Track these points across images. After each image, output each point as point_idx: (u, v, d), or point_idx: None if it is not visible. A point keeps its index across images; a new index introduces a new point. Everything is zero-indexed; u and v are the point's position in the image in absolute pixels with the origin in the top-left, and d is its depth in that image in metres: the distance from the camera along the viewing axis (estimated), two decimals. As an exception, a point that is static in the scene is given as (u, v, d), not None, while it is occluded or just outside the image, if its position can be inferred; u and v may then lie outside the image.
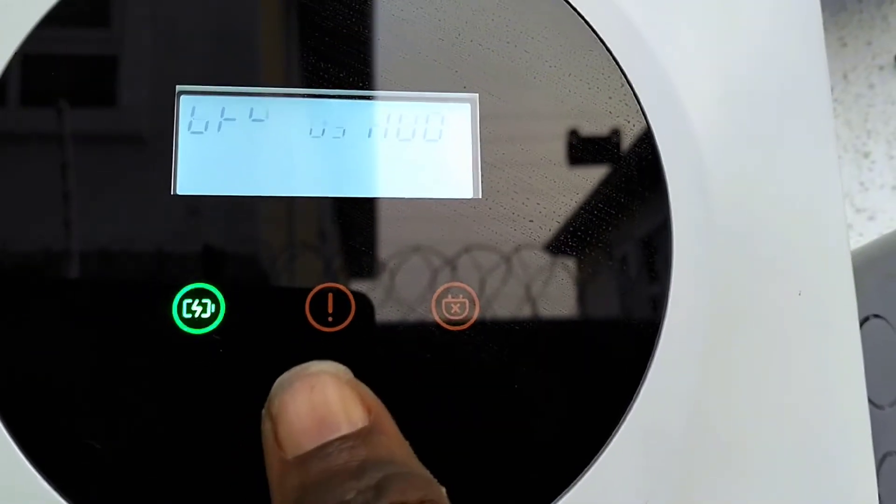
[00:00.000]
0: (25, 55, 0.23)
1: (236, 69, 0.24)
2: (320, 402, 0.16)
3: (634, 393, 0.23)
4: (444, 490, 0.16)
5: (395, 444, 0.16)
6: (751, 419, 0.24)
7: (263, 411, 0.17)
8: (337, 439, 0.16)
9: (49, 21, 0.23)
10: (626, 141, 0.25)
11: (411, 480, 0.15)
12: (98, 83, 0.24)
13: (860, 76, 0.73)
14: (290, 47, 0.25)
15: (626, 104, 0.25)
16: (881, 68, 0.68)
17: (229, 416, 0.21)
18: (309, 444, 0.16)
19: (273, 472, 0.16)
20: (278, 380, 0.17)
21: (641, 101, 0.25)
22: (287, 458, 0.16)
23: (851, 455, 0.25)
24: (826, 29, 0.28)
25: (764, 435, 0.24)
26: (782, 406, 0.24)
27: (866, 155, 0.67)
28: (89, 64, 0.24)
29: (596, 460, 0.22)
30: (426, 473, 0.16)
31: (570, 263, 0.24)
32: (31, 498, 0.20)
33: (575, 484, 0.22)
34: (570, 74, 0.25)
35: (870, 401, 0.26)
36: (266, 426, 0.16)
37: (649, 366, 0.23)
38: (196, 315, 0.22)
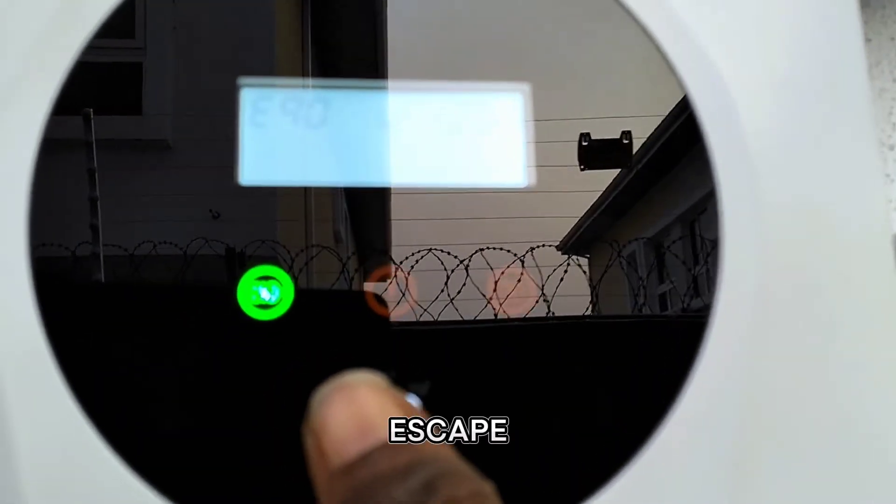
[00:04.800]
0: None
1: (295, 63, 0.25)
2: (359, 412, 0.16)
3: (683, 384, 0.23)
4: (490, 485, 0.16)
5: (437, 445, 0.17)
6: (800, 411, 0.24)
7: (304, 428, 0.17)
8: (380, 445, 0.16)
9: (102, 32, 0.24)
10: (676, 136, 0.26)
11: (459, 476, 0.15)
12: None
13: (884, 71, 0.73)
14: (351, 41, 0.25)
15: (674, 97, 0.26)
16: (904, 63, 0.69)
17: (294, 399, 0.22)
18: (353, 453, 0.16)
19: (321, 484, 0.16)
20: (315, 395, 0.17)
21: (692, 95, 0.26)
22: (333, 469, 0.16)
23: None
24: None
25: (814, 425, 0.24)
26: (833, 396, 0.25)
27: (892, 147, 0.68)
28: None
29: (644, 451, 0.23)
30: (470, 470, 0.16)
31: (622, 256, 0.25)
32: (107, 479, 0.21)
33: (621, 475, 0.22)
34: (619, 69, 0.26)
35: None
36: (309, 442, 0.17)
37: (700, 354, 0.24)
38: (264, 301, 0.23)
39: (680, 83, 0.25)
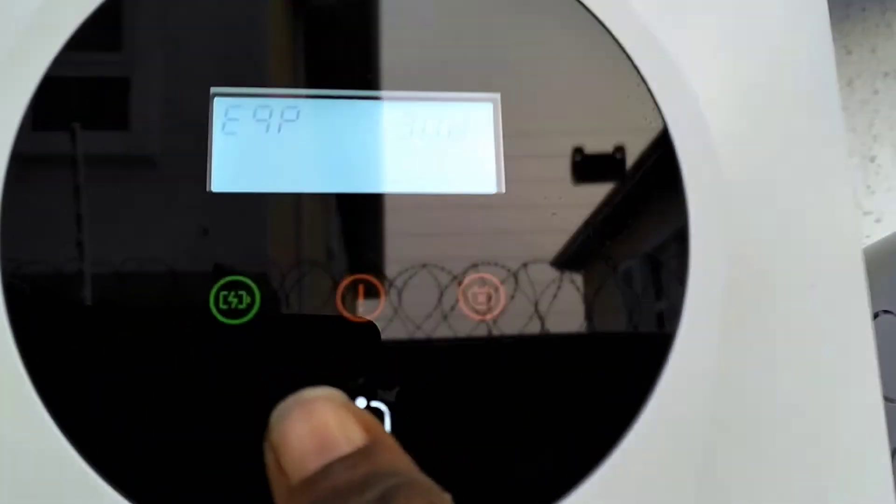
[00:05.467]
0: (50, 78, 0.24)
1: (266, 72, 0.25)
2: (319, 426, 0.17)
3: (650, 391, 0.24)
4: (449, 496, 0.16)
5: (395, 457, 0.17)
6: (766, 414, 0.25)
7: (264, 443, 0.17)
8: (339, 459, 0.16)
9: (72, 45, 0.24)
10: (644, 141, 0.26)
11: (415, 488, 0.16)
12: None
13: (865, 83, 0.74)
14: (321, 52, 0.26)
15: (643, 103, 0.26)
16: (886, 74, 0.70)
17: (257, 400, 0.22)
18: (312, 467, 0.16)
19: (280, 499, 0.17)
20: (275, 411, 0.17)
21: (658, 100, 0.26)
22: (292, 485, 0.16)
23: (867, 449, 0.25)
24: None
25: (779, 430, 0.24)
26: (797, 401, 0.25)
27: (872, 159, 0.68)
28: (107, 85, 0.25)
29: (610, 455, 0.23)
30: (429, 481, 0.16)
31: (590, 264, 0.25)
32: (77, 485, 0.21)
33: (588, 479, 0.22)
34: (587, 74, 0.26)
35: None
36: (269, 457, 0.17)
37: (666, 360, 0.24)
38: (232, 306, 0.23)
39: (651, 94, 0.26)
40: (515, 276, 0.24)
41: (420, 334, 0.23)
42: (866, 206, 0.66)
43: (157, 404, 0.22)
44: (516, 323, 0.24)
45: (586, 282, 0.24)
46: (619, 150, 0.26)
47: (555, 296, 0.24)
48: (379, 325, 0.23)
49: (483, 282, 0.24)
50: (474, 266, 0.24)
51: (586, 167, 0.25)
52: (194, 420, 0.22)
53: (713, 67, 0.27)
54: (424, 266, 0.24)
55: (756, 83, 0.27)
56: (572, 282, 0.24)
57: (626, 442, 0.23)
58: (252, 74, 0.25)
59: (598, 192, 0.25)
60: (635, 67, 0.26)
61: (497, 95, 0.25)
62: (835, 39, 0.29)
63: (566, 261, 0.25)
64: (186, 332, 0.22)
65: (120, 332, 0.22)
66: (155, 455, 0.21)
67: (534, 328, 0.24)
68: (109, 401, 0.22)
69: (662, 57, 0.26)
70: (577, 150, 0.26)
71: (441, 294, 0.24)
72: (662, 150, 0.26)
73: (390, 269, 0.24)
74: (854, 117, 0.66)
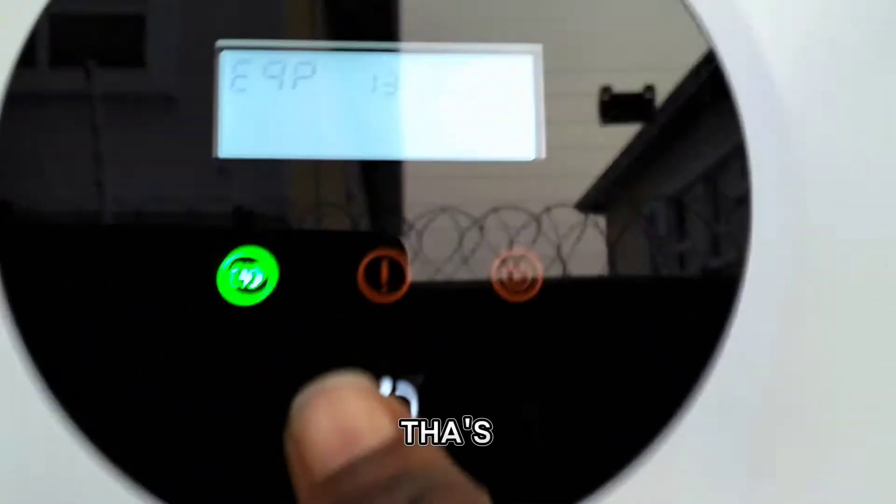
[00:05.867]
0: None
1: (277, 22, 0.22)
2: (342, 417, 0.15)
3: (711, 358, 0.21)
4: (487, 497, 0.15)
5: (428, 452, 0.15)
6: (831, 390, 0.22)
7: (285, 434, 0.16)
8: (365, 455, 0.15)
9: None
10: (701, 91, 0.23)
11: (449, 489, 0.14)
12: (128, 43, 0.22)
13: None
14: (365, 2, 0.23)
15: (697, 48, 0.23)
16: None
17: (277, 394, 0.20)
18: (336, 463, 0.15)
19: (302, 494, 0.15)
20: (296, 400, 0.16)
21: (717, 46, 0.23)
22: (315, 481, 0.15)
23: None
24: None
25: (846, 406, 0.22)
26: (865, 376, 0.23)
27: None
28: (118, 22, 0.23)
29: (669, 431, 0.21)
30: (464, 481, 0.15)
31: (642, 220, 0.22)
32: (73, 464, 0.20)
33: (645, 456, 0.21)
34: (640, 21, 0.23)
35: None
36: (290, 449, 0.16)
37: (728, 326, 0.22)
38: (245, 285, 0.21)
39: (704, 35, 0.23)
40: (558, 249, 0.22)
41: (449, 316, 0.21)
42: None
43: (168, 388, 0.20)
44: (557, 298, 0.21)
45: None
46: (675, 95, 0.23)
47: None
48: (404, 306, 0.21)
49: (520, 259, 0.22)
50: (511, 243, 0.21)
51: (623, 109, 0.23)
52: (210, 408, 0.20)
53: (778, 11, 0.24)
54: (457, 249, 0.21)
55: (825, 28, 0.24)
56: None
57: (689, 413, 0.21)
58: (263, 25, 0.22)
59: (640, 137, 0.23)
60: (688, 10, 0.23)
61: (538, 47, 0.23)
62: None
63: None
64: (195, 312, 0.21)
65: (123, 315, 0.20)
66: (170, 447, 0.20)
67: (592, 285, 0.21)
68: (113, 380, 0.20)
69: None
70: (622, 94, 0.23)
71: (474, 273, 0.21)
72: (720, 101, 0.23)
73: (414, 243, 0.21)
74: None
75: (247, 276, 0.21)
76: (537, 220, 0.22)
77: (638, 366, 0.21)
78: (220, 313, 0.21)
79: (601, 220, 0.22)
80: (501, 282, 0.21)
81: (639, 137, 0.23)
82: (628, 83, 0.23)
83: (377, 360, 0.21)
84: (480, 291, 0.21)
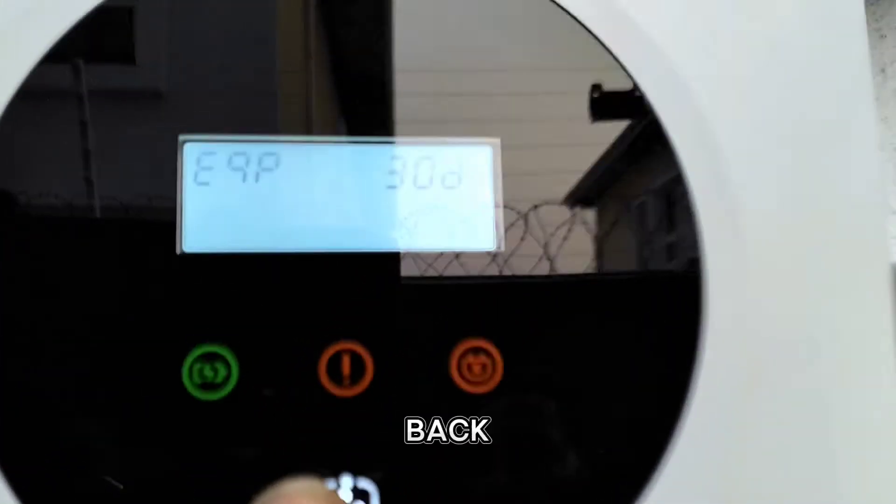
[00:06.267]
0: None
1: (243, 116, 0.23)
2: None
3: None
4: None
5: None
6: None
7: None
8: None
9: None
10: (657, 180, 0.24)
11: None
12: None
13: (899, 69, 0.70)
14: (302, 93, 0.23)
15: (654, 140, 0.24)
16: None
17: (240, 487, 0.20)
18: None
19: None
20: None
21: (672, 139, 0.23)
22: None
23: None
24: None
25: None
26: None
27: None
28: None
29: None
30: None
31: (603, 320, 0.23)
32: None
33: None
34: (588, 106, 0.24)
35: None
36: None
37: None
38: (208, 380, 0.21)
39: (666, 136, 0.23)
40: (513, 343, 0.22)
41: (411, 409, 0.21)
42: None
43: (129, 481, 0.20)
44: (516, 389, 0.22)
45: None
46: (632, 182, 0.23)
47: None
48: (366, 400, 0.21)
49: (478, 351, 0.22)
50: (469, 339, 0.22)
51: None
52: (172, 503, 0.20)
53: (726, 81, 0.24)
54: (416, 334, 0.22)
55: (779, 71, 0.24)
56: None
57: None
58: (228, 119, 0.23)
59: (610, 248, 0.23)
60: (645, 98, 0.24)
61: (497, 141, 0.23)
62: (867, 23, 0.27)
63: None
64: (158, 408, 0.21)
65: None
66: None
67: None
68: (71, 468, 0.20)
69: (678, 86, 0.23)
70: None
71: (434, 364, 0.22)
72: (676, 191, 0.23)
73: (379, 336, 0.22)
74: (886, 107, 0.62)
75: (210, 371, 0.21)
76: (496, 306, 0.22)
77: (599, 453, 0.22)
78: (183, 407, 0.21)
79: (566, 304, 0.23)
80: (460, 373, 0.22)
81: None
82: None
83: (339, 454, 0.21)
84: (441, 383, 0.22)
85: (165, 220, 0.22)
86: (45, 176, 0.22)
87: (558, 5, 0.24)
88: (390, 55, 0.24)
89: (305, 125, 0.23)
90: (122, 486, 0.20)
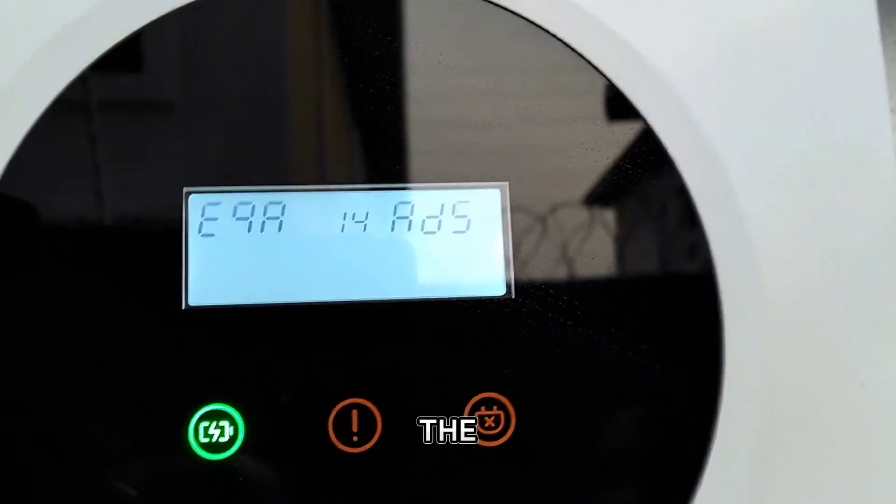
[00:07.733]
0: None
1: (248, 166, 0.22)
2: None
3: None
4: None
5: None
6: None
7: None
8: None
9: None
10: (670, 215, 0.23)
11: None
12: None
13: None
14: (308, 142, 0.23)
15: (667, 180, 0.23)
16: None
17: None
18: None
19: None
20: None
21: (685, 177, 0.23)
22: None
23: None
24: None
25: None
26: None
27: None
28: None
29: None
30: None
31: (616, 366, 0.22)
32: None
33: None
34: (605, 154, 0.23)
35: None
36: None
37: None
38: (213, 439, 0.20)
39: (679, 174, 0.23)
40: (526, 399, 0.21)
41: (422, 464, 0.21)
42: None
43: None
44: (529, 441, 0.21)
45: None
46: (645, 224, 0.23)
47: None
48: (375, 456, 0.21)
49: (491, 403, 0.21)
50: (482, 401, 0.21)
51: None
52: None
53: (735, 118, 0.24)
54: (430, 393, 0.21)
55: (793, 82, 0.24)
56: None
57: None
58: (240, 169, 0.22)
59: (621, 287, 0.22)
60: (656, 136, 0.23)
61: (505, 184, 0.22)
62: (884, 35, 0.26)
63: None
64: (162, 469, 0.20)
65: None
66: None
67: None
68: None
69: (691, 130, 0.23)
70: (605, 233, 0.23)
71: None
72: (693, 237, 0.23)
73: (390, 392, 0.21)
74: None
75: (215, 430, 0.20)
76: (509, 360, 0.21)
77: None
78: (188, 467, 0.20)
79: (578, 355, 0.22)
80: (473, 427, 0.21)
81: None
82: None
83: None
84: (452, 437, 0.21)
85: (169, 274, 0.21)
86: (59, 220, 0.21)
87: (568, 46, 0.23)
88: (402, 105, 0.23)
89: (311, 173, 0.23)
90: (135, 493, 0.20)
